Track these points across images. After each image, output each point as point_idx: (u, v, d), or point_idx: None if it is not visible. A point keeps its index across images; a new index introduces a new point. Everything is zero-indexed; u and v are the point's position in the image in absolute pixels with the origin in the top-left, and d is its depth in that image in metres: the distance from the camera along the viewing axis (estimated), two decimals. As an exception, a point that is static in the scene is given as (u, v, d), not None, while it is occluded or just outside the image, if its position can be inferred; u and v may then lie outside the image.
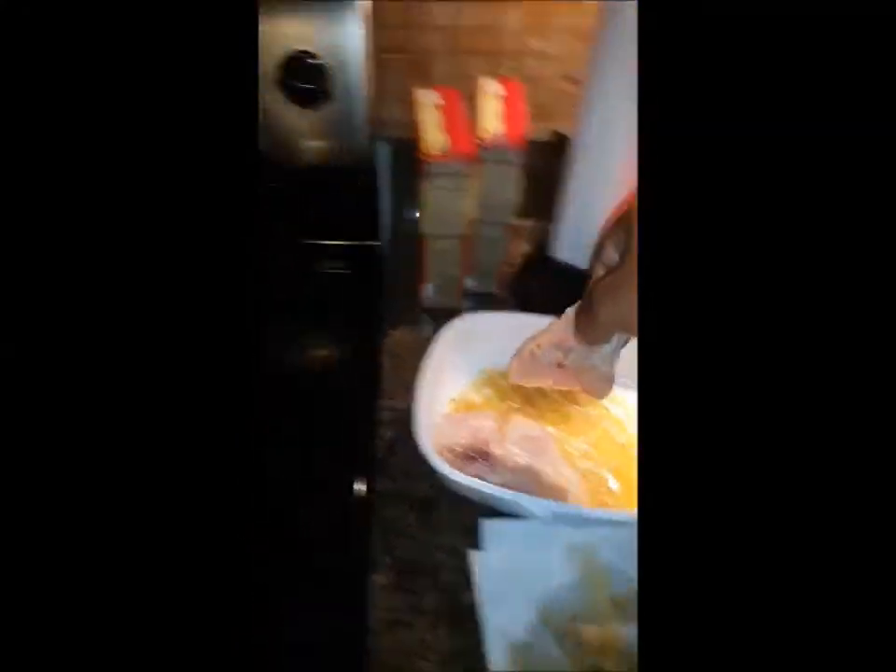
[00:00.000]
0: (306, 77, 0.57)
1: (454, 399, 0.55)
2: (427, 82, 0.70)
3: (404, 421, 0.50)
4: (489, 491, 0.43)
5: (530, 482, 0.48)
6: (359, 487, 0.50)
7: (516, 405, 0.55)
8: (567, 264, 0.62)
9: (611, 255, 0.36)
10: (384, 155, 0.72)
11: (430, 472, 0.45)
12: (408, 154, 0.56)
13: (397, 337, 0.64)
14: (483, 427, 0.52)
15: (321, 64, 0.57)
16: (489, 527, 0.44)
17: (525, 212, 0.61)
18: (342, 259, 0.71)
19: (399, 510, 0.50)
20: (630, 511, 0.46)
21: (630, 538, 0.40)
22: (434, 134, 0.54)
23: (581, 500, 0.48)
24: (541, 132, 0.75)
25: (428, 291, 0.65)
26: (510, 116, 0.55)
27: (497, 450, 0.50)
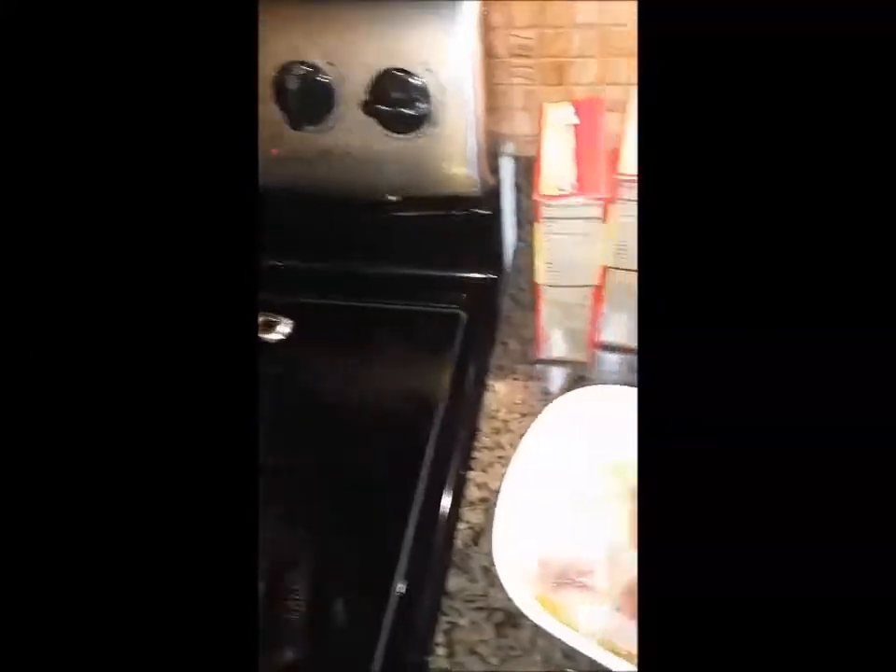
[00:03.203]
0: (400, 99, 0.48)
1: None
2: (563, 94, 0.62)
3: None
4: (567, 640, 0.36)
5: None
6: (401, 587, 0.41)
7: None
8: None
9: None
10: (507, 173, 0.64)
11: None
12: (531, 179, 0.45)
13: (501, 394, 0.51)
14: (593, 547, 0.41)
15: (417, 84, 0.48)
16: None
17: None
18: (452, 292, 0.61)
19: (474, 620, 0.40)
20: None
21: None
22: (560, 166, 0.44)
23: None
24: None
25: (548, 341, 0.53)
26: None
27: (601, 583, 0.40)
